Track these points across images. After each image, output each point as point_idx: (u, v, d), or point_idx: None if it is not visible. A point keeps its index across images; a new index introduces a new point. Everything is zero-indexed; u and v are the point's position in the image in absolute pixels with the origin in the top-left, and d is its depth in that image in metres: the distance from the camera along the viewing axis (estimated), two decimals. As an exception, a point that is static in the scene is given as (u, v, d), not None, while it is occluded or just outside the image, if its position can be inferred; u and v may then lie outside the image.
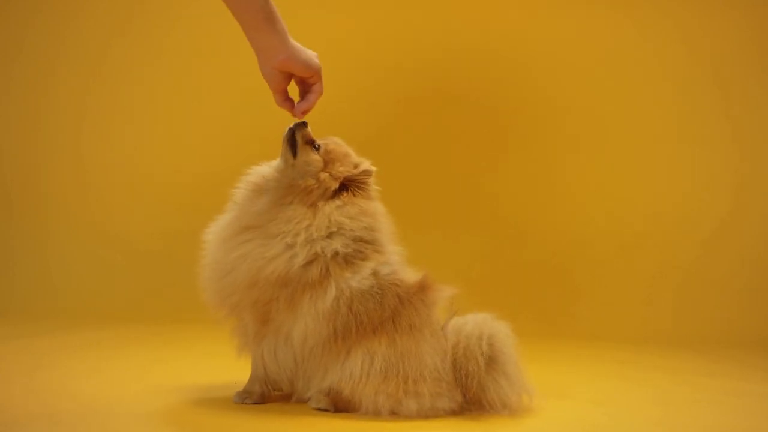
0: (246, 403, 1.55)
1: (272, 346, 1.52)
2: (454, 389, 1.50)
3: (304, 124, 1.59)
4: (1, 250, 3.19)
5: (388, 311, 1.50)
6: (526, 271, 3.01)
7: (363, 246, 1.53)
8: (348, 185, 1.58)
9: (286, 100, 1.52)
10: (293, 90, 1.53)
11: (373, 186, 1.63)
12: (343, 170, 1.57)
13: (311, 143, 1.59)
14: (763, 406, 1.75)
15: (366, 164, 1.61)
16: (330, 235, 1.51)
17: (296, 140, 1.58)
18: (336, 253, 1.50)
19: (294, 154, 1.58)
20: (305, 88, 1.53)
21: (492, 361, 1.50)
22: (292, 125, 1.59)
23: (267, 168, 1.64)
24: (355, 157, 1.62)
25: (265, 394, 1.57)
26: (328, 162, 1.57)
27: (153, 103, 3.31)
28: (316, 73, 1.49)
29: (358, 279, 1.50)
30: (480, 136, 3.15)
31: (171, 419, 1.43)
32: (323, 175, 1.55)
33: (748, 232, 2.96)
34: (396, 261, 1.58)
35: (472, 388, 1.49)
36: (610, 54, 3.13)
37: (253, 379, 1.57)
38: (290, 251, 1.49)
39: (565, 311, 2.91)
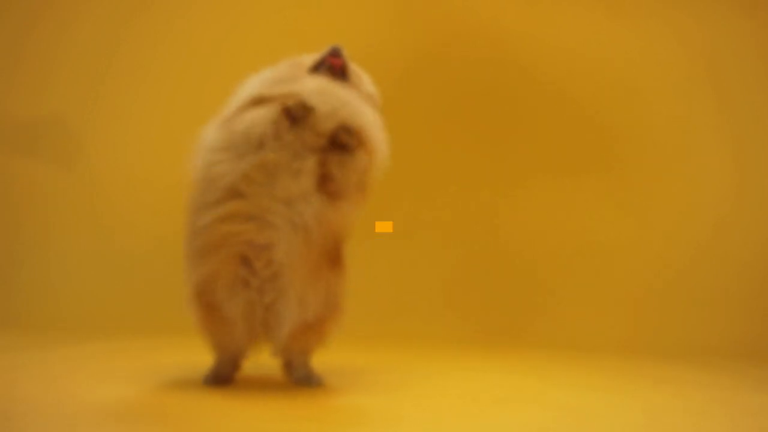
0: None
1: None
2: None
3: None
4: (2, 253, 3.21)
5: None
6: (510, 275, 3.01)
7: None
8: None
9: None
10: None
11: None
12: None
13: None
14: (751, 417, 1.74)
15: None
16: None
17: None
18: None
19: None
20: None
21: None
22: None
23: None
24: None
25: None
26: None
27: (153, 103, 3.31)
28: None
29: None
30: (460, 144, 3.15)
31: (176, 426, 1.45)
32: None
33: (742, 240, 2.96)
34: None
35: None
36: (607, 58, 3.13)
37: None
38: None
39: (549, 320, 2.90)
